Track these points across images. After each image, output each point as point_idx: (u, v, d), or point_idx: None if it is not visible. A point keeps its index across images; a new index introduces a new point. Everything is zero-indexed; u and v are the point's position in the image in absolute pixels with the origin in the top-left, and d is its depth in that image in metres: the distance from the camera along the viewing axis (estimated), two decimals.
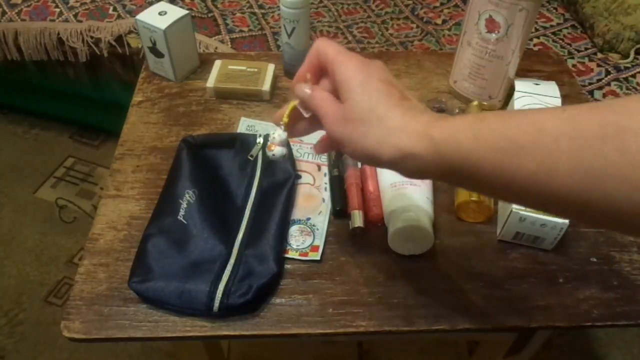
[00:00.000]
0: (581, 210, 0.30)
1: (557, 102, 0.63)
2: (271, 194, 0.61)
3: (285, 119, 0.44)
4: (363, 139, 0.37)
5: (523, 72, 0.79)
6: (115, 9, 1.33)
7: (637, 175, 0.26)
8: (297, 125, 0.45)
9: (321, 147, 0.47)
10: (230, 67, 0.76)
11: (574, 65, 1.20)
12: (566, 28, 1.32)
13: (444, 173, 0.35)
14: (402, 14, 1.38)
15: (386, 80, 0.38)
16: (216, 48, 1.23)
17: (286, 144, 0.46)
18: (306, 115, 0.43)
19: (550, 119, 0.30)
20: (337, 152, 0.64)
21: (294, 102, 0.43)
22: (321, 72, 0.43)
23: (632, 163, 0.26)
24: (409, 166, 0.36)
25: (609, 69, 1.19)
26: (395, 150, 0.35)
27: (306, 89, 0.41)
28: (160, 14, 0.72)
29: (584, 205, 0.29)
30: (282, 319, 0.53)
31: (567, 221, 0.55)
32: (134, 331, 0.52)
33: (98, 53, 1.30)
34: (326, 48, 0.40)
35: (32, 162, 1.59)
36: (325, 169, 0.66)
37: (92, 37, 1.29)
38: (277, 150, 0.46)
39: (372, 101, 0.37)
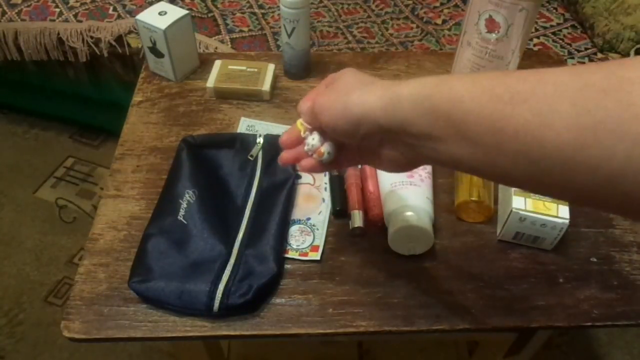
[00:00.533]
0: (570, 175, 0.27)
1: None
2: (271, 194, 0.61)
3: (300, 126, 0.43)
4: (344, 96, 0.36)
5: None
6: (115, 9, 1.33)
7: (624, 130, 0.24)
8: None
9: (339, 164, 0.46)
10: (230, 67, 0.76)
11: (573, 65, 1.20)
12: (566, 28, 1.32)
13: (426, 121, 0.32)
14: (402, 14, 1.38)
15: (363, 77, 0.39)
16: (216, 48, 1.23)
17: (325, 140, 0.43)
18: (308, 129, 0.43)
19: (552, 71, 0.28)
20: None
21: (300, 121, 0.43)
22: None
23: (636, 116, 0.24)
24: (391, 113, 0.34)
25: None
26: (380, 97, 0.34)
27: (307, 102, 0.41)
28: (160, 14, 0.72)
29: (576, 167, 0.27)
30: (282, 319, 0.53)
31: (567, 221, 0.55)
32: (134, 331, 0.52)
33: (98, 53, 1.30)
34: (305, 105, 0.41)
35: (32, 162, 1.59)
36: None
37: (92, 37, 1.29)
38: (325, 148, 0.43)
39: (354, 81, 0.37)
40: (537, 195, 0.57)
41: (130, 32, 1.27)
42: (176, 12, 0.72)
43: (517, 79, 0.29)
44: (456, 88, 0.31)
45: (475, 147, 0.31)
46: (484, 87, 0.30)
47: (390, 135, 0.36)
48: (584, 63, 1.21)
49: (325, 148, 0.43)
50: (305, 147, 0.43)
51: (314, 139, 0.43)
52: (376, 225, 0.60)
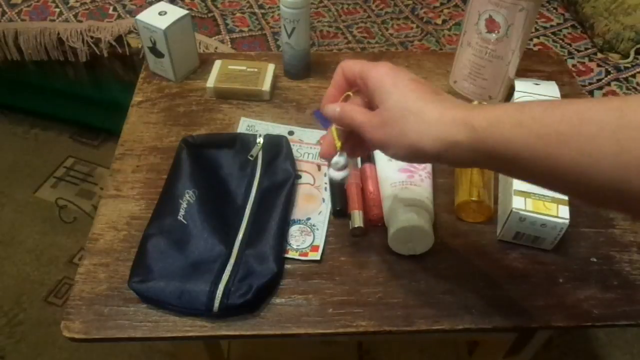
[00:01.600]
0: (619, 200, 0.30)
1: None
2: (271, 194, 0.61)
3: (338, 145, 0.46)
4: (403, 137, 0.38)
5: (523, 72, 0.79)
6: (115, 9, 1.33)
7: None
8: (352, 149, 0.47)
9: (352, 152, 0.48)
10: (230, 67, 0.76)
11: (574, 65, 1.20)
12: (566, 28, 1.32)
13: (485, 160, 0.35)
14: (402, 14, 1.38)
15: (415, 79, 0.39)
16: (216, 48, 1.23)
17: (346, 167, 0.48)
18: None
19: (594, 108, 0.30)
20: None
21: (334, 127, 0.45)
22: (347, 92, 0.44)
23: None
24: (451, 155, 0.36)
25: (609, 69, 1.19)
26: (437, 141, 0.36)
27: (335, 107, 0.43)
28: (160, 14, 0.72)
29: (623, 195, 0.29)
30: (282, 319, 0.53)
31: (567, 221, 0.55)
32: (134, 331, 0.52)
33: (98, 53, 1.30)
34: (351, 64, 0.42)
35: (32, 162, 1.59)
36: (325, 169, 0.66)
37: (92, 37, 1.29)
38: (337, 175, 0.48)
39: (407, 99, 0.38)
40: (537, 195, 0.57)
41: (130, 32, 1.27)
42: (176, 12, 0.72)
43: (561, 118, 0.31)
44: (506, 132, 0.33)
45: (530, 176, 0.34)
46: (531, 129, 0.32)
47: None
48: (584, 63, 1.21)
49: (339, 175, 0.48)
50: (332, 161, 0.47)
51: (339, 162, 0.47)
52: (376, 225, 0.60)
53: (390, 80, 0.39)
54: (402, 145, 0.38)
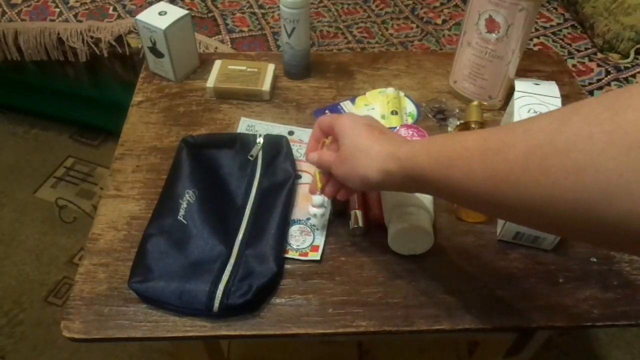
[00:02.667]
0: (504, 212, 0.37)
1: (557, 102, 0.63)
2: (271, 194, 0.61)
3: (319, 186, 0.56)
4: (355, 170, 0.47)
5: (523, 72, 0.79)
6: (115, 9, 1.33)
7: (516, 176, 0.33)
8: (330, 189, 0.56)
9: (334, 193, 0.56)
10: (230, 67, 0.76)
11: (574, 65, 1.20)
12: (566, 28, 1.32)
13: (413, 184, 0.44)
14: (402, 14, 1.38)
15: (369, 124, 0.49)
16: (216, 48, 1.23)
17: (325, 205, 0.59)
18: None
19: (471, 138, 0.38)
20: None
21: (317, 171, 0.56)
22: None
23: (512, 170, 0.33)
24: (389, 182, 0.45)
25: (609, 69, 1.19)
26: (378, 172, 0.45)
27: (314, 155, 0.54)
28: (160, 14, 0.72)
29: (503, 206, 0.35)
30: (282, 319, 0.53)
31: None
32: (134, 331, 0.52)
33: (98, 53, 1.30)
34: (325, 118, 0.54)
35: (32, 162, 1.59)
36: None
37: (92, 37, 1.29)
38: (317, 211, 0.59)
39: (358, 140, 0.48)
40: None
41: (130, 32, 1.27)
42: (176, 12, 0.72)
43: (452, 149, 0.39)
44: (420, 161, 0.42)
45: (442, 194, 0.43)
46: (433, 158, 0.41)
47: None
48: (584, 63, 1.21)
49: (318, 211, 0.59)
50: (313, 200, 0.58)
51: (317, 199, 0.58)
52: (376, 225, 0.60)
53: (348, 126, 0.49)
54: (355, 177, 0.48)
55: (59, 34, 1.30)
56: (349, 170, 0.48)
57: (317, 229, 0.60)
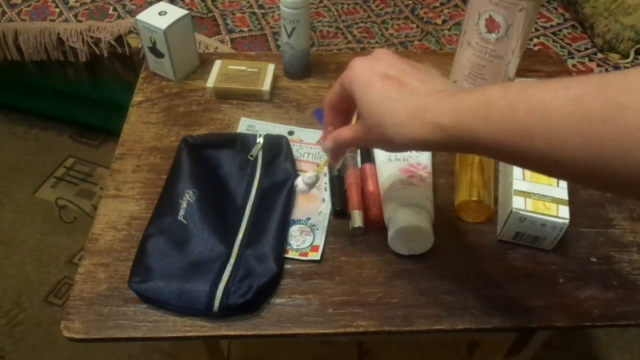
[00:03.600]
0: (590, 180, 0.32)
1: None
2: (271, 194, 0.61)
3: (320, 168, 0.55)
4: (385, 139, 0.40)
5: (523, 72, 0.79)
6: (115, 9, 1.33)
7: (638, 151, 0.28)
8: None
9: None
10: (230, 67, 0.76)
11: (574, 65, 1.20)
12: (566, 28, 1.32)
13: (461, 150, 0.39)
14: (402, 14, 1.38)
15: (384, 74, 0.41)
16: (216, 48, 1.23)
17: (312, 186, 0.57)
18: (335, 167, 0.58)
19: (555, 100, 0.31)
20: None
21: (326, 159, 0.53)
22: (341, 112, 0.48)
23: (632, 141, 0.28)
24: (430, 148, 0.40)
25: (609, 69, 1.19)
26: (412, 141, 0.38)
27: (327, 143, 0.47)
28: (160, 14, 0.72)
29: (593, 176, 0.31)
30: (282, 319, 0.53)
31: (567, 221, 0.55)
32: (134, 331, 0.52)
33: (98, 53, 1.30)
34: (337, 83, 0.45)
35: (32, 162, 1.59)
36: (325, 169, 0.66)
37: (92, 37, 1.29)
38: (300, 187, 0.57)
39: (376, 104, 0.40)
40: (537, 195, 0.57)
41: (130, 32, 1.27)
42: (176, 12, 0.72)
43: (526, 114, 0.32)
44: (474, 129, 0.35)
45: (504, 160, 0.37)
46: (498, 125, 0.34)
47: None
48: (583, 63, 1.21)
49: (301, 187, 0.57)
50: (306, 175, 0.56)
51: (310, 177, 0.56)
52: (376, 225, 0.60)
53: (360, 82, 0.41)
54: (387, 145, 0.41)
55: (59, 34, 1.30)
56: (378, 139, 0.41)
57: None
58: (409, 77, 0.40)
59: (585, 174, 0.31)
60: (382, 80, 0.40)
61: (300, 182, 0.57)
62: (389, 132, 0.39)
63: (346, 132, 0.45)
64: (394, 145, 0.40)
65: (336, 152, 0.48)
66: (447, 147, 0.38)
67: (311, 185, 0.57)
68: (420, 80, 0.40)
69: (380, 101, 0.40)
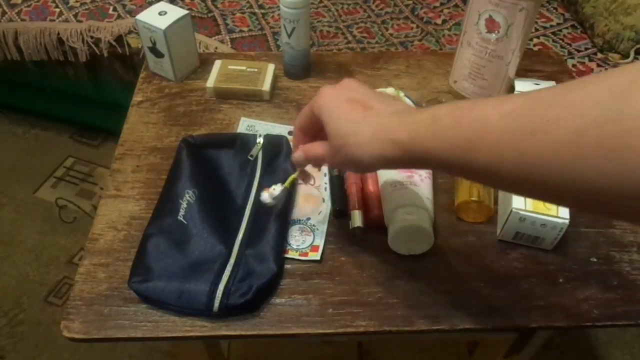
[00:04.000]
0: (533, 193, 0.34)
1: None
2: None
3: (287, 184, 0.55)
4: (350, 158, 0.43)
5: (523, 72, 0.79)
6: (115, 9, 1.33)
7: (563, 160, 0.29)
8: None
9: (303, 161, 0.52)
10: (230, 67, 0.76)
11: (574, 65, 1.20)
12: (566, 28, 1.32)
13: (417, 164, 0.42)
14: (402, 14, 1.38)
15: (350, 99, 0.43)
16: (216, 48, 1.23)
17: (278, 199, 0.56)
18: (307, 182, 0.57)
19: (493, 115, 0.33)
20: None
21: (294, 175, 0.55)
22: (310, 135, 0.50)
23: (558, 153, 0.29)
24: (391, 165, 0.41)
25: (609, 69, 1.19)
26: (374, 158, 0.41)
27: (299, 153, 0.49)
28: (160, 14, 0.72)
29: (535, 189, 0.32)
30: (282, 319, 0.53)
31: (567, 221, 0.55)
32: (134, 331, 0.52)
33: (98, 53, 1.30)
34: (304, 110, 0.48)
35: (32, 162, 1.59)
36: (325, 169, 0.66)
37: (92, 37, 1.29)
38: (264, 196, 0.56)
39: (342, 126, 0.43)
40: None
41: (130, 32, 1.27)
42: (176, 12, 0.72)
43: (468, 129, 0.35)
44: (426, 144, 0.37)
45: (457, 174, 0.41)
46: (445, 141, 0.36)
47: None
48: (583, 63, 1.21)
49: (265, 196, 0.56)
50: (270, 189, 0.56)
51: (276, 190, 0.56)
52: (376, 225, 0.60)
53: (328, 108, 0.44)
54: (352, 164, 0.43)
55: (59, 34, 1.30)
56: (344, 159, 0.44)
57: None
58: (372, 101, 0.43)
59: (529, 187, 0.33)
60: (347, 104, 0.43)
61: (265, 195, 0.56)
62: (354, 152, 0.42)
63: (317, 148, 0.47)
64: (360, 164, 0.42)
65: (304, 165, 0.51)
66: (407, 162, 0.40)
67: (277, 199, 0.56)
68: (383, 103, 0.43)
69: (346, 123, 0.42)
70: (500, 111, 0.33)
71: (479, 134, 0.33)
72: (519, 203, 0.56)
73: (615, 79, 0.28)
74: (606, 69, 1.19)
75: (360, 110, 0.42)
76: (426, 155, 0.37)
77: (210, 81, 0.74)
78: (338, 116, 0.43)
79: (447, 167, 0.37)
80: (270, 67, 0.76)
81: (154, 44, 0.73)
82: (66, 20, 1.31)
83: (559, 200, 0.35)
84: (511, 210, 0.56)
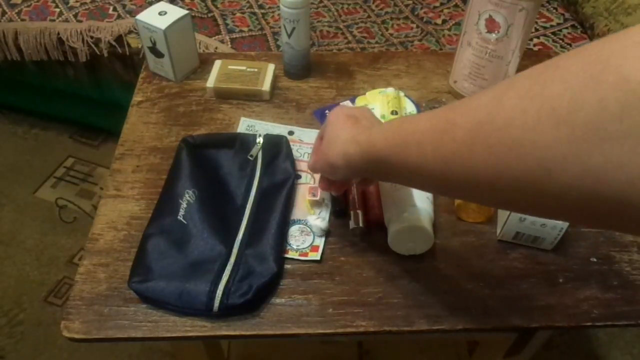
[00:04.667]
0: (457, 191, 0.38)
1: None
2: (271, 193, 0.61)
3: (312, 211, 0.61)
4: (326, 157, 0.49)
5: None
6: (115, 9, 1.33)
7: (465, 157, 0.33)
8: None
9: (326, 187, 0.59)
10: (230, 67, 0.76)
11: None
12: (566, 28, 1.32)
13: (371, 168, 0.45)
14: (402, 14, 1.38)
15: (349, 114, 0.50)
16: (216, 48, 1.23)
17: (326, 230, 0.60)
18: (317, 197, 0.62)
19: (423, 118, 0.38)
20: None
21: (308, 199, 0.62)
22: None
23: (459, 149, 0.33)
24: (352, 166, 0.46)
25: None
26: (340, 155, 0.47)
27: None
28: (160, 14, 0.72)
29: (456, 186, 0.36)
30: (282, 319, 0.53)
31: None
32: (134, 331, 0.52)
33: (98, 53, 1.30)
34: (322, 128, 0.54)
35: (32, 162, 1.59)
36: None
37: (92, 37, 1.29)
38: (318, 232, 0.60)
39: (331, 131, 0.50)
40: None
41: (130, 32, 1.27)
42: (176, 12, 0.72)
43: (405, 130, 0.39)
44: (378, 144, 0.42)
45: (400, 178, 0.43)
46: (389, 141, 0.41)
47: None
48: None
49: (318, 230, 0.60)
50: (319, 224, 0.60)
51: (320, 224, 0.59)
52: (376, 225, 0.60)
53: (330, 121, 0.51)
54: (326, 166, 0.50)
55: (59, 34, 1.30)
56: (322, 159, 0.51)
57: (317, 234, 0.60)
58: (365, 120, 0.50)
59: (445, 186, 0.37)
60: (345, 117, 0.50)
61: (317, 229, 0.60)
62: (330, 150, 0.48)
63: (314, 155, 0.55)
64: (328, 161, 0.49)
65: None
66: (364, 162, 0.45)
67: (323, 233, 0.60)
68: (371, 122, 0.49)
69: (339, 128, 0.49)
70: (428, 116, 0.38)
71: (411, 133, 0.38)
72: None
73: (500, 85, 0.32)
74: None
75: (351, 122, 0.48)
76: (375, 155, 0.43)
77: (210, 81, 0.74)
78: (332, 126, 0.50)
79: (390, 169, 0.41)
80: (270, 67, 0.76)
81: (154, 44, 0.73)
82: (66, 20, 1.31)
83: (480, 200, 0.38)
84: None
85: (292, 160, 0.64)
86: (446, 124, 0.35)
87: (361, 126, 0.48)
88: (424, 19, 1.35)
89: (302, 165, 0.66)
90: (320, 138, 0.55)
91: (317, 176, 0.65)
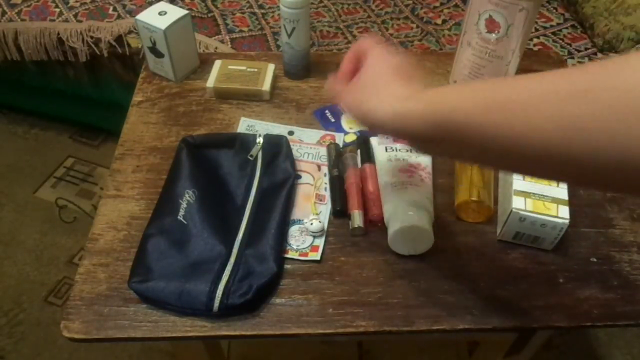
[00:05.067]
0: (559, 165, 0.32)
1: None
2: (271, 193, 0.61)
3: (314, 211, 0.60)
4: (365, 103, 0.43)
5: (523, 72, 0.79)
6: (115, 9, 1.33)
7: (604, 126, 0.28)
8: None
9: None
10: (230, 67, 0.76)
11: (573, 65, 1.20)
12: (566, 28, 1.32)
13: (432, 130, 0.38)
14: (402, 14, 1.38)
15: (399, 68, 0.44)
16: (216, 48, 1.23)
17: (320, 231, 0.59)
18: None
19: (525, 79, 0.33)
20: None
21: (312, 200, 0.61)
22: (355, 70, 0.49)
23: (599, 116, 0.28)
24: (402, 125, 0.40)
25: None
26: (390, 112, 0.40)
27: (330, 80, 0.50)
28: (160, 14, 0.72)
29: (560, 159, 0.31)
30: (282, 319, 0.53)
31: (567, 221, 0.55)
32: (134, 331, 0.52)
33: (98, 53, 1.30)
34: (364, 40, 0.49)
35: (32, 162, 1.59)
36: (325, 169, 0.66)
37: (92, 37, 1.29)
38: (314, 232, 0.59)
39: (378, 76, 0.43)
40: (536, 195, 0.57)
41: (130, 32, 1.27)
42: (176, 12, 0.72)
43: (498, 90, 0.34)
44: (451, 102, 0.36)
45: (474, 149, 0.36)
46: (473, 101, 0.35)
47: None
48: (583, 63, 1.21)
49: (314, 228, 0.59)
50: (313, 226, 0.59)
51: (316, 226, 0.59)
52: (376, 225, 0.60)
53: (379, 59, 0.45)
54: (360, 111, 0.43)
55: (59, 34, 1.30)
56: (357, 101, 0.44)
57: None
58: (417, 83, 0.43)
59: (552, 155, 0.31)
60: (396, 68, 0.44)
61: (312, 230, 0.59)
62: (372, 98, 0.42)
63: (340, 84, 0.48)
64: (367, 110, 0.42)
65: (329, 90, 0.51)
66: (422, 122, 0.38)
67: (319, 233, 0.59)
68: (422, 85, 0.43)
69: (389, 72, 0.43)
70: (535, 77, 0.33)
71: (517, 94, 0.33)
72: (519, 203, 0.56)
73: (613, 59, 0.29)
74: None
75: (405, 75, 0.43)
76: (448, 117, 0.36)
77: (210, 81, 0.74)
78: (379, 70, 0.44)
79: (467, 132, 0.35)
80: (270, 67, 0.76)
81: (154, 44, 0.73)
82: (66, 20, 1.31)
83: (576, 179, 0.34)
84: (511, 210, 0.56)
85: (292, 160, 0.64)
86: (572, 85, 0.30)
87: (417, 84, 0.42)
88: (424, 19, 1.35)
89: (302, 165, 0.66)
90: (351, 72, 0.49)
91: (318, 177, 0.65)
